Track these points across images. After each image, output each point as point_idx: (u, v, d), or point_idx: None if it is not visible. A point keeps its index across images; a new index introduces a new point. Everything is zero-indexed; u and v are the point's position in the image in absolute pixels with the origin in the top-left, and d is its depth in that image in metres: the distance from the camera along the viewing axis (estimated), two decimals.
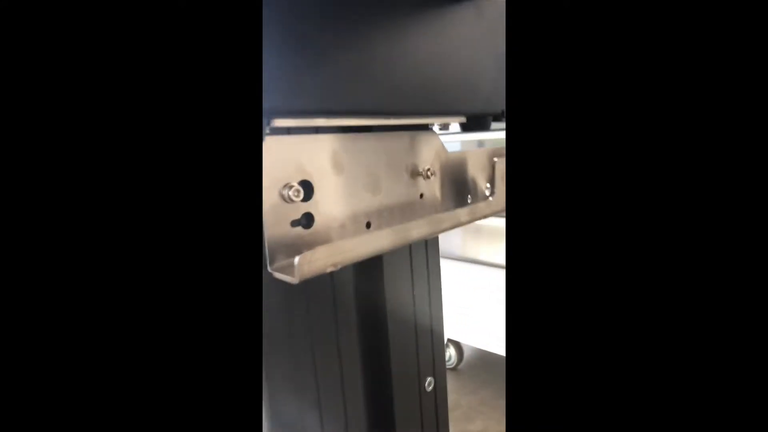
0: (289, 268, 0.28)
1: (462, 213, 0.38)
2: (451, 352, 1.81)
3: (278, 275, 0.28)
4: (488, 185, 0.44)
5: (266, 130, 0.26)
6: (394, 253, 0.40)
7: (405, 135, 0.37)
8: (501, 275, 1.50)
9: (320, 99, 0.27)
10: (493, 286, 1.52)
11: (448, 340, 1.78)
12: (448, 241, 1.62)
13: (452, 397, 1.66)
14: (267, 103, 0.24)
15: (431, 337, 0.44)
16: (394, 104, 0.32)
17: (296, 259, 0.26)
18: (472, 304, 1.59)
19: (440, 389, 0.45)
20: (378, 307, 0.40)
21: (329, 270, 0.28)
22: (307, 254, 0.26)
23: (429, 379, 0.44)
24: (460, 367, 1.85)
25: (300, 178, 0.30)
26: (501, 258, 1.51)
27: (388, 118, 0.34)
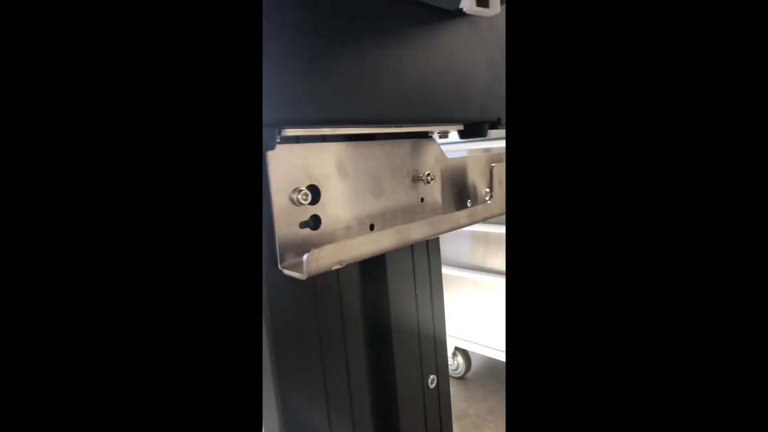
0: (298, 266, 0.30)
1: (461, 215, 0.40)
2: (459, 361, 1.81)
3: (288, 272, 0.30)
4: (487, 190, 0.46)
5: (277, 138, 0.29)
6: (397, 255, 0.42)
7: (406, 143, 0.39)
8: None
9: (326, 110, 0.30)
10: (501, 292, 1.53)
11: (456, 348, 1.78)
12: (456, 251, 1.63)
13: (461, 405, 1.66)
14: (277, 113, 0.27)
15: (433, 335, 0.46)
16: (395, 114, 0.34)
17: (305, 257, 0.28)
18: (480, 311, 1.60)
19: (443, 386, 0.47)
20: (382, 308, 0.42)
21: (335, 267, 0.30)
22: (315, 252, 0.28)
23: (432, 376, 0.46)
24: (468, 375, 1.85)
25: (308, 183, 0.32)
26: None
27: (390, 126, 0.36)
